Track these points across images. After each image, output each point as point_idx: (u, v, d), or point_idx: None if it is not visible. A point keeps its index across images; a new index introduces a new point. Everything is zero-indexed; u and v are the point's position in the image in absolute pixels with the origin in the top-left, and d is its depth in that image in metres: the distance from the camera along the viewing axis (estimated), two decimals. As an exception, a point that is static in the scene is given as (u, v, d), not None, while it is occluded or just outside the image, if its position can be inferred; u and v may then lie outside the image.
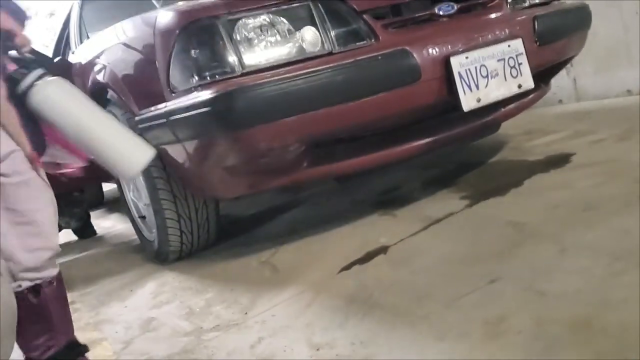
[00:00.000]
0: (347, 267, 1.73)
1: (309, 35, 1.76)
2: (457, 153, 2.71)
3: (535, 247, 1.51)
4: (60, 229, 2.68)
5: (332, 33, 1.79)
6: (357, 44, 1.81)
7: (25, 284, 1.27)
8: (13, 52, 1.27)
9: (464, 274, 1.47)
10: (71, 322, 1.41)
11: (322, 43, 1.77)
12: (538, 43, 2.07)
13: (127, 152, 1.32)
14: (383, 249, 1.79)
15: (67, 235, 3.59)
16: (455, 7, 1.99)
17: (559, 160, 2.18)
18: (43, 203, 1.26)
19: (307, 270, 1.81)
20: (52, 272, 1.31)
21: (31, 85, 1.25)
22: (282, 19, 1.76)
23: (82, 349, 1.42)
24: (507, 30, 1.99)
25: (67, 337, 1.38)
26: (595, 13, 2.40)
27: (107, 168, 1.32)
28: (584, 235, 1.49)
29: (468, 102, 1.87)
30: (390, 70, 1.77)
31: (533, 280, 1.33)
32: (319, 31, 1.77)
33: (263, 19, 1.74)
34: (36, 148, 1.22)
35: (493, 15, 2.07)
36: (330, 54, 1.76)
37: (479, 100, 1.89)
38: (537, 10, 2.16)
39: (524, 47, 1.99)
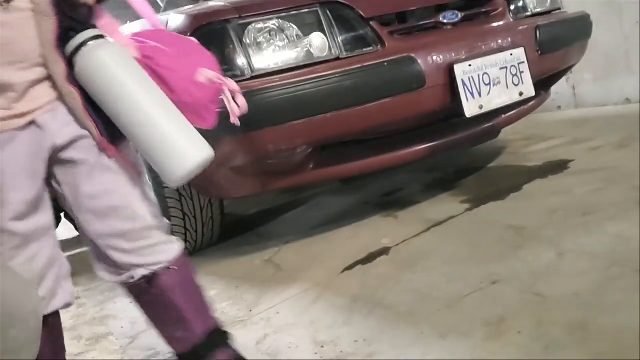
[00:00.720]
0: (350, 267, 1.77)
1: (317, 41, 1.80)
2: (458, 157, 2.75)
3: (534, 250, 1.55)
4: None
5: (340, 39, 1.82)
6: (364, 50, 1.85)
7: (140, 272, 1.11)
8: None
9: (465, 275, 1.51)
10: (208, 309, 1.20)
11: (330, 48, 1.81)
12: (540, 52, 2.11)
13: (183, 146, 1.02)
14: (385, 250, 1.83)
15: (70, 231, 3.61)
16: (460, 16, 2.03)
17: (558, 166, 2.22)
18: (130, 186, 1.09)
19: (310, 269, 1.85)
20: (164, 257, 1.12)
21: (80, 46, 0.99)
22: (291, 24, 1.79)
23: (225, 337, 1.20)
24: (509, 39, 2.04)
25: (205, 326, 1.17)
26: (595, 22, 2.44)
27: (150, 162, 1.04)
28: (582, 239, 1.53)
29: (471, 108, 1.91)
30: (395, 76, 1.81)
31: (532, 283, 1.37)
32: (326, 37, 1.81)
33: (273, 23, 1.78)
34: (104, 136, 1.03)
35: (496, 24, 2.11)
36: (337, 59, 1.80)
37: (481, 107, 1.93)
38: (539, 19, 2.21)
39: (526, 55, 2.03)
